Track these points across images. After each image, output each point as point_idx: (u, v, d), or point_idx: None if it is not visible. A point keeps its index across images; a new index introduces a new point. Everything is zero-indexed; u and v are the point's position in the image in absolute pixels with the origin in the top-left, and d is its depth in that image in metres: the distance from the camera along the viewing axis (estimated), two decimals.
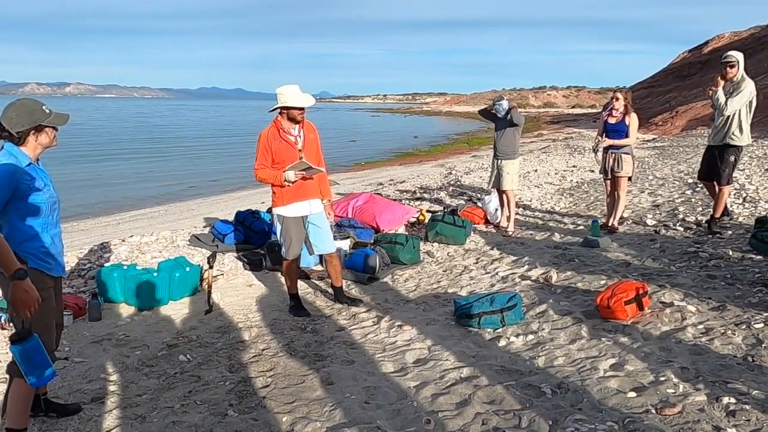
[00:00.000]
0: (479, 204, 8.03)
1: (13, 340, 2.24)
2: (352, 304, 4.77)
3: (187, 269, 5.12)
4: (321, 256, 5.50)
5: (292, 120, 4.33)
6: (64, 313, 3.92)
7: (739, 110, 5.58)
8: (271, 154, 4.33)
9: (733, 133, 5.67)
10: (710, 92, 5.79)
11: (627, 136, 6.44)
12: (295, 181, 4.31)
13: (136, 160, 22.73)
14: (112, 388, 3.42)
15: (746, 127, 5.66)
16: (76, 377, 3.56)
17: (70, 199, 12.13)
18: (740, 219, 6.28)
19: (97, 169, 19.46)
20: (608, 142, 6.49)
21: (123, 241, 6.98)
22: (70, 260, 6.00)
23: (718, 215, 5.98)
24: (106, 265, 5.69)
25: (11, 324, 4.32)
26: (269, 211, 6.93)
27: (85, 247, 6.73)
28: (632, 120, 6.43)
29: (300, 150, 4.37)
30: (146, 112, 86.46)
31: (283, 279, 5.07)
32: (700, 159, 6.33)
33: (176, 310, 4.82)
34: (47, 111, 2.76)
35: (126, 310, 4.82)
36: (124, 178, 17.63)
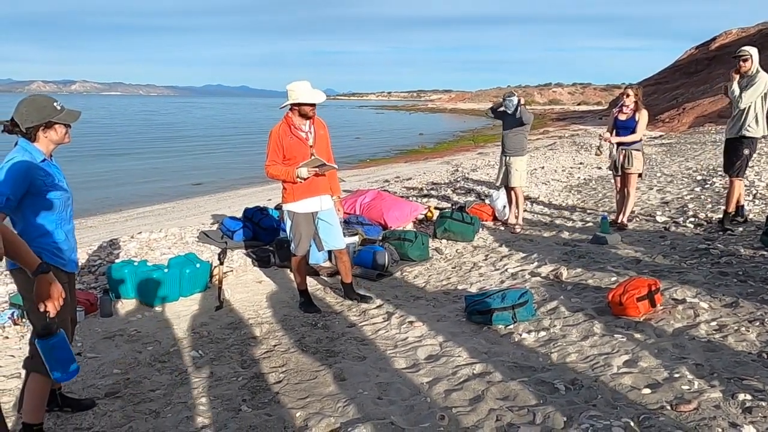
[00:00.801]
0: (487, 201, 8.02)
1: (41, 335, 2.20)
2: (362, 301, 4.77)
3: (198, 266, 5.14)
4: (330, 253, 5.50)
5: (304, 116, 4.33)
6: (77, 309, 3.94)
7: (755, 102, 5.64)
8: (282, 150, 4.33)
9: (749, 125, 5.72)
10: (725, 87, 5.88)
11: (635, 132, 6.42)
12: (308, 177, 4.31)
13: (144, 157, 22.79)
14: (125, 383, 3.43)
15: (762, 118, 5.70)
16: (90, 372, 3.58)
17: (77, 196, 12.10)
18: (751, 216, 6.24)
19: (105, 166, 19.53)
20: (615, 139, 6.48)
21: (132, 237, 7.00)
22: (80, 256, 6.02)
23: (730, 210, 5.96)
24: (117, 261, 5.71)
25: (23, 320, 4.34)
26: (277, 207, 6.94)
27: (95, 243, 6.76)
28: (642, 116, 6.43)
29: (311, 146, 4.37)
30: (152, 110, 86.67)
31: (292, 275, 5.07)
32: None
33: (187, 306, 4.84)
34: (58, 108, 2.76)
35: (137, 306, 4.84)
36: (132, 175, 17.69)
